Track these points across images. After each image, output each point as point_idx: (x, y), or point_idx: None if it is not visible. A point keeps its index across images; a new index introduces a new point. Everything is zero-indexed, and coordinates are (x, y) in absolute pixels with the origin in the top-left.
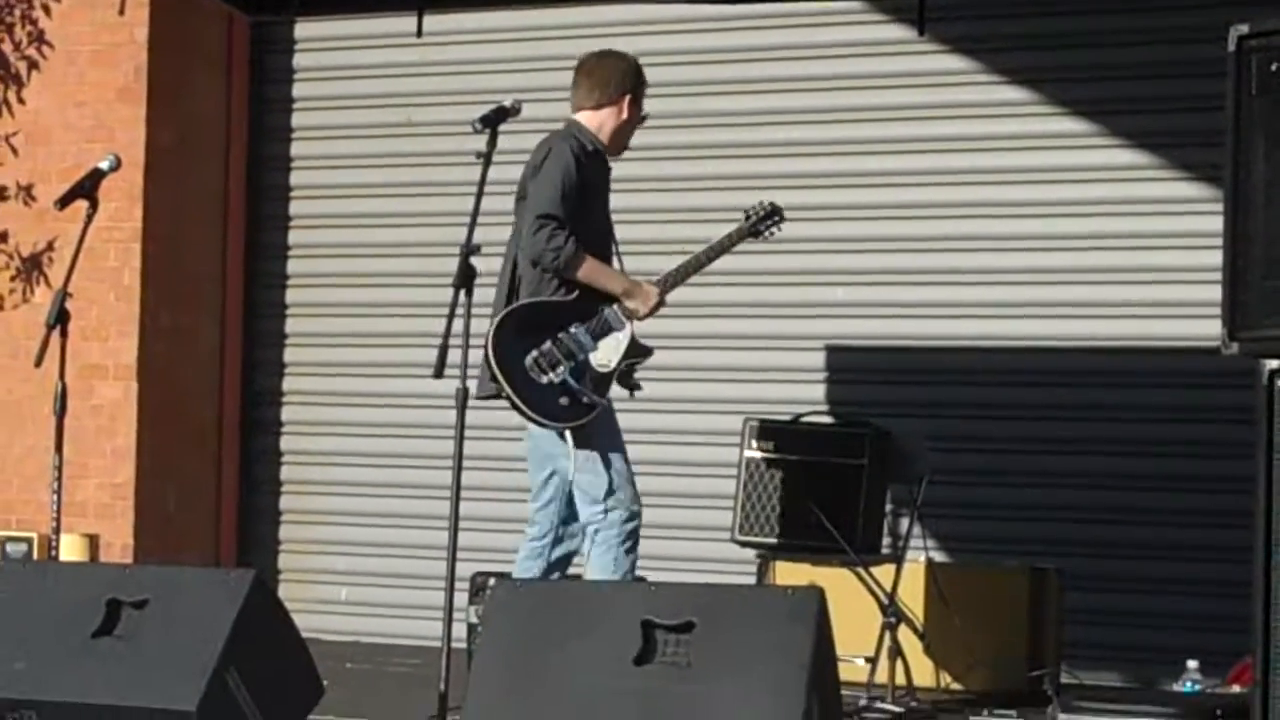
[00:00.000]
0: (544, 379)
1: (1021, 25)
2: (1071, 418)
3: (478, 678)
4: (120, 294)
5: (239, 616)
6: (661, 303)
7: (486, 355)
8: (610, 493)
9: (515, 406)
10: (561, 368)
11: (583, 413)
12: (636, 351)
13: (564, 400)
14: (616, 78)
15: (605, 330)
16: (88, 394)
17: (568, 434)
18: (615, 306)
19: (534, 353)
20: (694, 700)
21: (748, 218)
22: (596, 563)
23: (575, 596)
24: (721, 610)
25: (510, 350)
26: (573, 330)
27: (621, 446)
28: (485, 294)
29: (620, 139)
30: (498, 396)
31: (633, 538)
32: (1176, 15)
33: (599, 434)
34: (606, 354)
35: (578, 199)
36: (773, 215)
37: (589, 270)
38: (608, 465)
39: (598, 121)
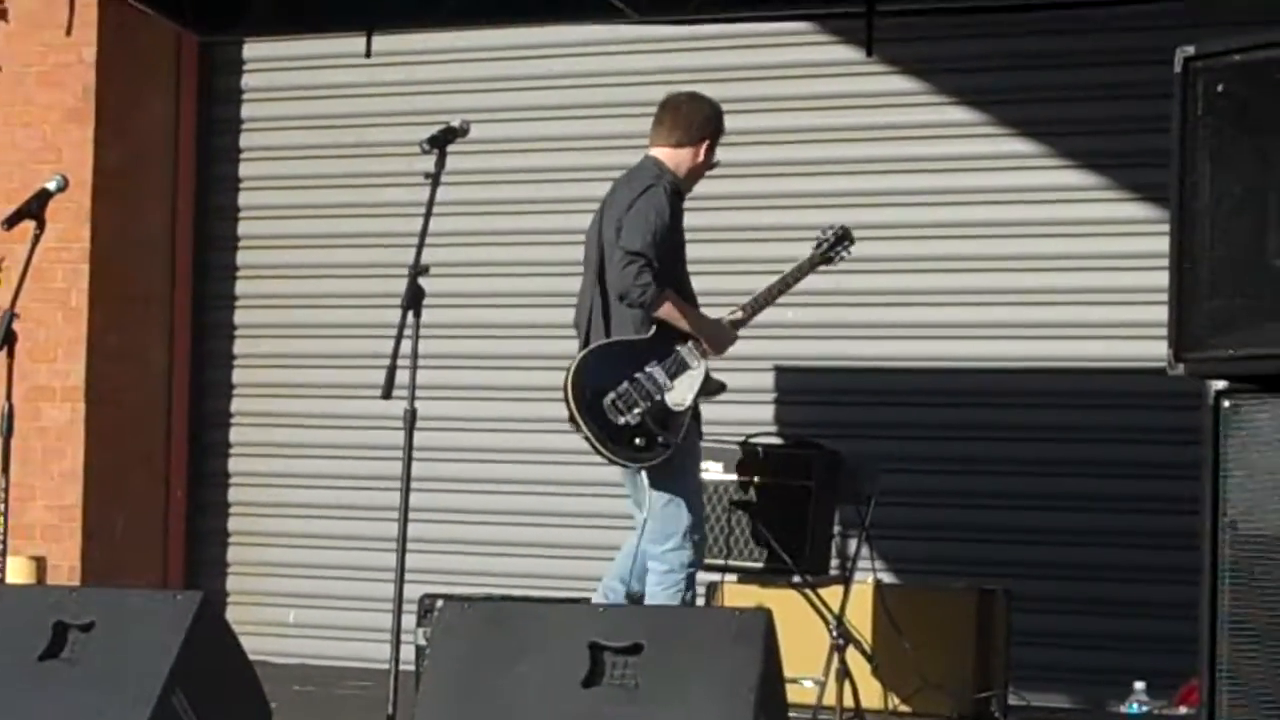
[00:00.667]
0: (621, 420)
1: (970, 46)
2: (1018, 439)
3: (425, 700)
4: (68, 315)
5: (186, 639)
6: (734, 339)
7: (566, 396)
8: (685, 533)
9: (594, 448)
10: (638, 409)
11: (659, 453)
12: (709, 388)
13: (640, 441)
14: (699, 120)
15: (681, 369)
16: (35, 415)
17: (643, 473)
18: (690, 343)
19: (611, 394)
20: None
21: (819, 245)
22: (660, 598)
23: (523, 618)
24: (669, 632)
25: (588, 392)
26: (649, 370)
27: (699, 489)
28: (433, 315)
29: (692, 180)
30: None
31: (691, 579)
32: (1123, 37)
33: (682, 475)
34: (681, 393)
35: (667, 239)
36: (844, 240)
37: (671, 309)
38: (688, 506)
39: (675, 160)
